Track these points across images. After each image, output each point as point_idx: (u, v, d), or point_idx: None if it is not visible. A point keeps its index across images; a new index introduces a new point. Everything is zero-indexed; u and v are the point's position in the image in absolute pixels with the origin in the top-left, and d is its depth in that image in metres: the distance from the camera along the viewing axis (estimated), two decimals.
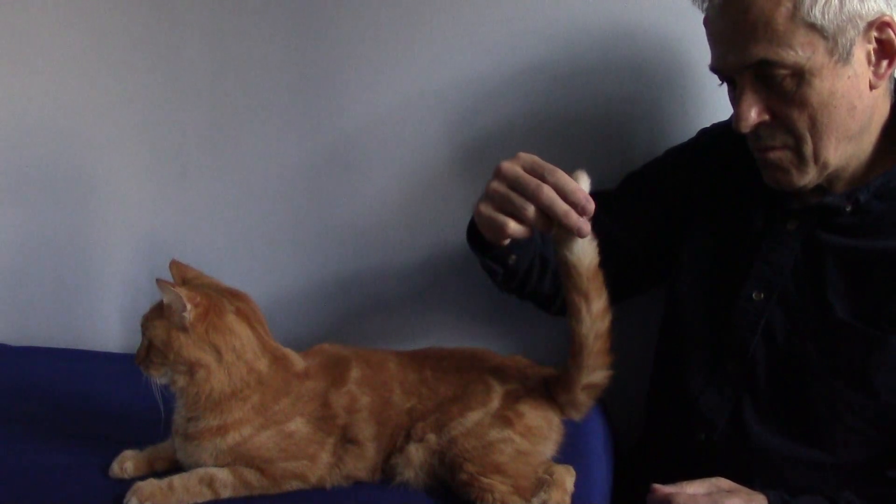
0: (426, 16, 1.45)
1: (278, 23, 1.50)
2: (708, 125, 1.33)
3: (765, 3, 1.01)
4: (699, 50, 1.34)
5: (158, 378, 1.02)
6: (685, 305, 1.24)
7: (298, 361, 1.09)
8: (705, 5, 1.08)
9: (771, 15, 1.01)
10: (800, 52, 1.01)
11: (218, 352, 1.01)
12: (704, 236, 1.24)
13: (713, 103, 1.33)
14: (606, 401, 1.37)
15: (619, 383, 1.47)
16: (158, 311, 1.03)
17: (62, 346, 1.61)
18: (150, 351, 1.02)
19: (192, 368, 1.01)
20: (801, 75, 1.02)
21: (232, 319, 1.04)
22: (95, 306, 1.64)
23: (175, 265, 1.10)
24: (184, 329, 1.00)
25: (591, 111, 1.44)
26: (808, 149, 1.07)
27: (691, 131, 1.35)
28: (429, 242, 1.53)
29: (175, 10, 1.52)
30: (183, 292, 0.99)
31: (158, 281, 1.01)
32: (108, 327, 1.64)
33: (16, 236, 1.64)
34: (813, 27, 1.00)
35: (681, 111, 1.41)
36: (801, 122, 1.05)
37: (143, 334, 1.04)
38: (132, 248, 1.61)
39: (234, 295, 1.08)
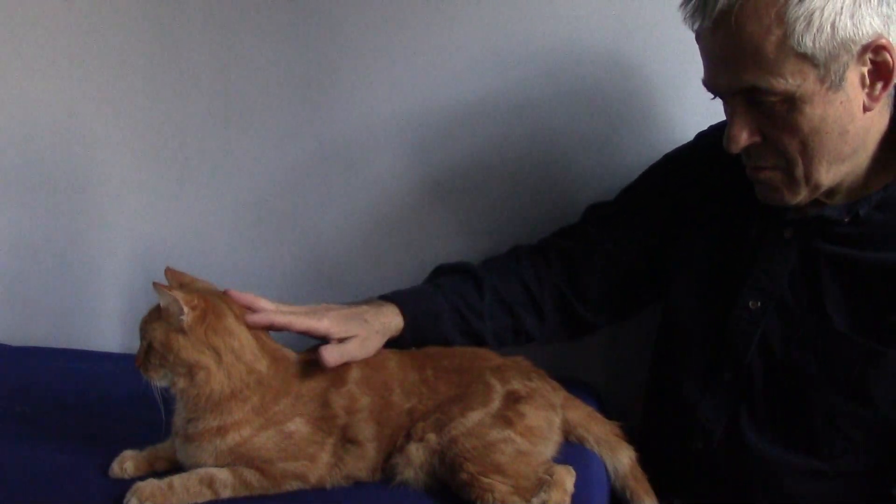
0: (406, 37, 1.47)
1: (277, 26, 1.50)
2: (685, 141, 1.33)
3: (754, 30, 0.98)
4: (674, 69, 1.36)
5: (158, 380, 1.02)
6: (682, 312, 1.23)
7: (299, 362, 1.09)
8: (696, 25, 1.05)
9: (761, 42, 0.98)
10: (790, 81, 0.99)
11: (217, 353, 1.01)
12: (700, 242, 1.22)
13: (685, 123, 1.35)
14: (605, 402, 1.38)
15: (617, 386, 1.48)
16: (157, 314, 1.02)
17: (62, 346, 1.61)
18: (150, 353, 1.02)
19: (191, 370, 1.01)
20: (791, 102, 1.00)
21: (231, 321, 1.04)
22: (95, 306, 1.64)
23: (170, 272, 1.09)
24: (182, 331, 1.00)
25: (570, 137, 1.45)
26: (799, 171, 1.05)
27: (673, 143, 1.35)
28: (428, 243, 1.53)
29: (175, 11, 1.52)
30: (180, 295, 0.99)
31: (155, 284, 1.01)
32: (108, 327, 1.64)
33: (16, 236, 1.64)
34: (804, 56, 0.97)
35: (656, 133, 1.41)
36: (792, 147, 1.03)
37: (142, 337, 1.03)
38: (131, 248, 1.61)
39: (227, 295, 1.07)
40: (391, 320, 1.20)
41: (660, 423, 1.28)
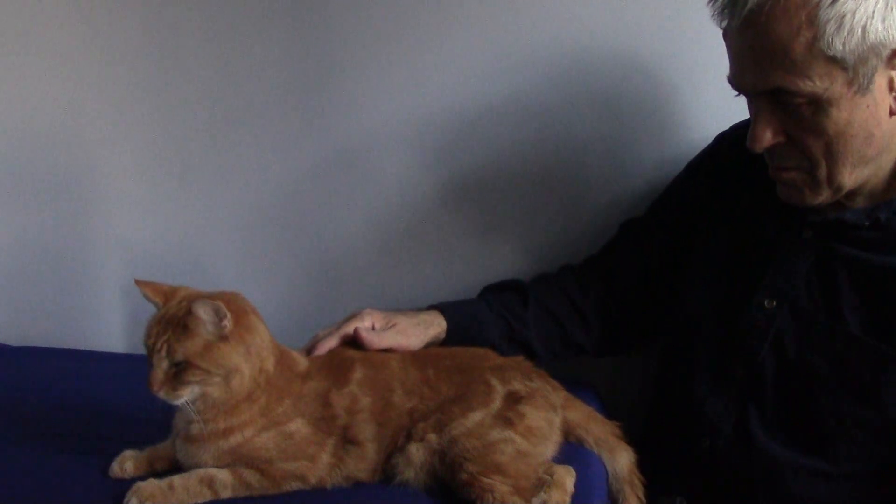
0: (419, 40, 1.46)
1: (278, 24, 1.49)
2: (701, 142, 1.33)
3: (783, 31, 0.97)
4: (690, 71, 1.34)
5: (185, 397, 0.99)
6: (696, 308, 1.23)
7: (301, 361, 1.09)
8: (724, 23, 1.04)
9: (789, 44, 0.97)
10: (817, 83, 0.98)
11: (248, 352, 1.01)
12: (719, 239, 1.22)
13: (701, 125, 1.35)
14: (605, 400, 1.38)
15: (619, 383, 1.48)
16: (179, 329, 0.98)
17: (62, 346, 1.61)
18: (184, 372, 0.98)
19: (228, 375, 1.00)
20: (817, 104, 1.00)
21: (253, 317, 1.04)
22: (95, 306, 1.64)
23: (145, 285, 1.04)
24: (224, 338, 0.99)
25: (580, 139, 1.44)
26: (822, 173, 1.05)
27: (685, 153, 1.35)
28: (439, 249, 1.53)
29: (175, 11, 1.52)
30: (220, 302, 0.98)
31: (195, 300, 0.97)
32: (108, 327, 1.64)
33: (16, 237, 1.64)
34: (833, 59, 0.96)
35: (672, 135, 1.41)
36: (816, 148, 1.03)
37: (164, 357, 0.98)
38: (132, 248, 1.61)
39: (234, 295, 1.07)
40: (432, 319, 1.25)
41: (666, 420, 1.27)
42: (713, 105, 1.34)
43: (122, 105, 1.57)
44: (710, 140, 1.32)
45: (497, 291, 1.36)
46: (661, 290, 1.31)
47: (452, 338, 1.25)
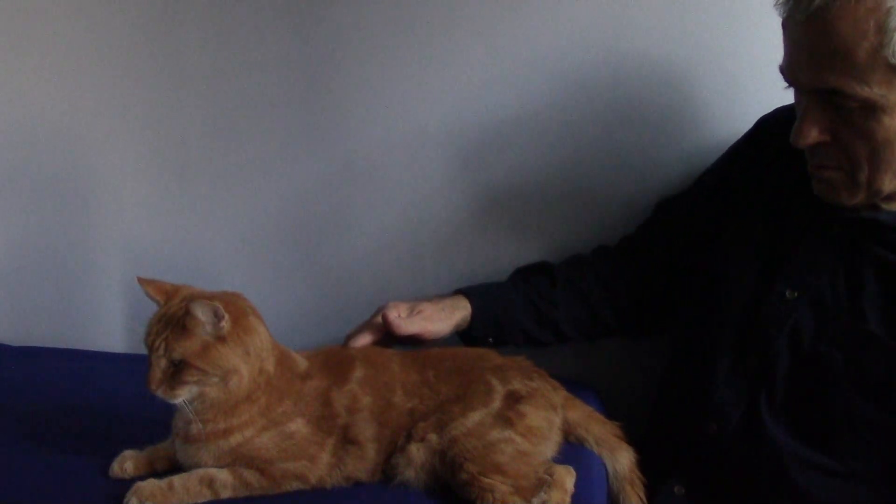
0: (438, 44, 1.44)
1: (281, 24, 1.49)
2: (720, 144, 1.33)
3: (849, 34, 0.96)
4: (703, 74, 1.34)
5: (183, 396, 0.99)
6: (717, 292, 1.22)
7: (301, 362, 1.09)
8: (786, 14, 1.02)
9: (853, 47, 0.96)
10: (875, 90, 0.97)
11: (248, 353, 1.01)
12: (748, 225, 1.21)
13: (723, 122, 1.35)
14: (605, 400, 1.38)
15: (619, 383, 1.48)
16: (178, 329, 0.99)
17: (62, 346, 1.61)
18: (184, 371, 0.98)
19: (226, 376, 1.00)
20: (870, 109, 0.99)
21: (253, 318, 1.04)
22: (95, 306, 1.64)
23: (147, 283, 1.05)
24: (222, 339, 0.99)
25: (606, 148, 1.44)
26: (863, 176, 1.04)
27: (707, 155, 1.35)
28: (461, 264, 1.51)
29: (176, 10, 1.52)
30: (219, 304, 0.98)
31: (193, 301, 0.97)
32: (108, 327, 1.64)
33: (16, 236, 1.64)
34: (894, 68, 0.95)
35: (696, 145, 1.40)
36: (861, 152, 1.02)
37: (161, 356, 0.99)
38: (132, 248, 1.61)
39: (235, 296, 1.07)
40: (458, 302, 1.27)
41: (674, 405, 1.27)
42: (730, 105, 1.35)
43: (122, 105, 1.57)
44: (727, 139, 1.32)
45: (525, 273, 1.37)
46: (690, 271, 1.30)
47: (478, 320, 1.26)
